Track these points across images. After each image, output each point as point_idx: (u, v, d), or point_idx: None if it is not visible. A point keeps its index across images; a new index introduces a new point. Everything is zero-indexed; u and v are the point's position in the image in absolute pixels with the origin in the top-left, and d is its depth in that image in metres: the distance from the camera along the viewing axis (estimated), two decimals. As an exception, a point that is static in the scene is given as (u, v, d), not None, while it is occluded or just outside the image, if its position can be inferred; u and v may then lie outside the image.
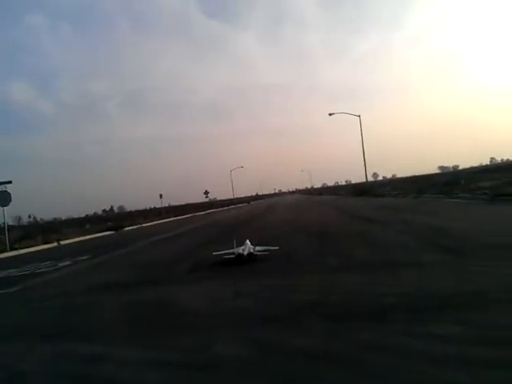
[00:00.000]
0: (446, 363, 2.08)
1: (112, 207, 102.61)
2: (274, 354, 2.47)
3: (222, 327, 3.15)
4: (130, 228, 25.72)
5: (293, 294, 3.99)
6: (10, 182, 17.06)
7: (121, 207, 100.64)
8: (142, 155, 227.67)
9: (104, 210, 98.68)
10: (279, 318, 3.18)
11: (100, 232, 22.92)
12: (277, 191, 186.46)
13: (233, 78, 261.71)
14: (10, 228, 19.67)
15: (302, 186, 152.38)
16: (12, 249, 16.05)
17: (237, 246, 6.42)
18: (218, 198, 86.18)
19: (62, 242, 18.37)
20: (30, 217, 67.48)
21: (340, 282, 4.29)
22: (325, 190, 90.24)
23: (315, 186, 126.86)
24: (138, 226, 27.43)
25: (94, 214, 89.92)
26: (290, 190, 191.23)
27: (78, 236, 20.96)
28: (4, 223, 17.42)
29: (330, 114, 33.23)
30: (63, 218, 73.27)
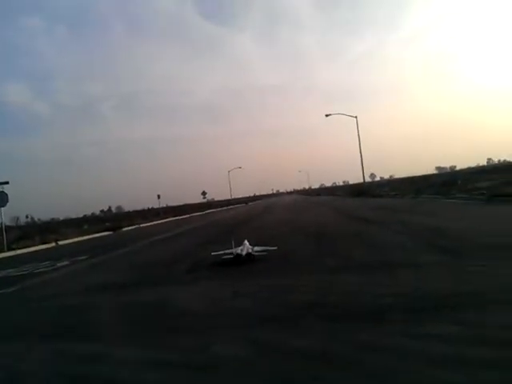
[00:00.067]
0: (443, 363, 2.09)
1: (110, 207, 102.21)
2: (272, 355, 2.48)
3: (220, 327, 3.16)
4: (128, 228, 25.67)
5: (291, 294, 4.01)
6: (6, 183, 17.06)
7: (119, 208, 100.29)
8: (140, 156, 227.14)
9: (102, 211, 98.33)
10: (277, 319, 3.19)
11: (98, 232, 22.87)
12: (274, 192, 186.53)
13: (229, 79, 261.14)
14: (8, 228, 19.65)
15: (299, 187, 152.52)
16: (10, 249, 16.00)
17: (235, 247, 6.43)
18: (216, 199, 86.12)
19: (60, 243, 18.33)
20: (27, 217, 67.01)
21: (338, 282, 4.31)
22: (322, 191, 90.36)
23: (313, 187, 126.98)
24: (136, 226, 27.39)
25: (92, 214, 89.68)
26: (288, 190, 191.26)
27: (76, 236, 20.91)
28: (1, 223, 17.40)
29: (327, 115, 33.20)
30: (61, 218, 72.92)
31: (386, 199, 23.31)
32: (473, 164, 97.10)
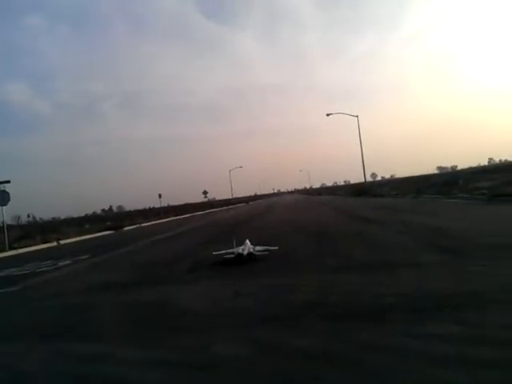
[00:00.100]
0: (444, 363, 2.09)
1: (111, 207, 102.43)
2: (273, 354, 2.49)
3: (221, 327, 3.17)
4: (130, 228, 25.70)
5: (292, 293, 4.01)
6: (8, 182, 17.06)
7: (120, 207, 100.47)
8: (141, 156, 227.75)
9: (103, 210, 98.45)
10: (279, 318, 3.19)
11: (99, 231, 22.91)
12: (275, 191, 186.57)
13: (230, 78, 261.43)
14: (9, 227, 19.67)
15: (300, 186, 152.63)
16: (11, 248, 16.03)
17: (236, 246, 6.44)
18: (217, 198, 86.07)
19: (62, 242, 18.36)
20: (29, 216, 67.14)
21: (339, 282, 4.31)
22: (323, 190, 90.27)
23: (314, 186, 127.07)
24: (138, 225, 27.41)
25: (93, 213, 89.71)
26: (289, 190, 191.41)
27: (78, 235, 20.94)
28: (3, 222, 17.43)
29: (328, 115, 33.20)
30: (62, 217, 73.12)
31: (387, 199, 23.28)
32: (474, 164, 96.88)
